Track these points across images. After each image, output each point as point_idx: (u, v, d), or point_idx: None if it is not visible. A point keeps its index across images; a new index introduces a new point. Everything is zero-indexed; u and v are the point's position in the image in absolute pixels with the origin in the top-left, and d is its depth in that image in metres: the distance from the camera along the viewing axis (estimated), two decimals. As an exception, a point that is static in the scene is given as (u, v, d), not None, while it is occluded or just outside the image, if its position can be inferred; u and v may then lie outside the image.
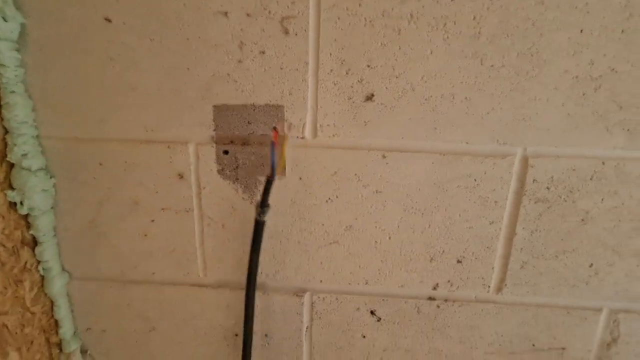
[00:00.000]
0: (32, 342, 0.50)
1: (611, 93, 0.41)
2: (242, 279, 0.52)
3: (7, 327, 0.46)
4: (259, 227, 0.46)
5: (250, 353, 0.52)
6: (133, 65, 0.44)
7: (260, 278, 0.52)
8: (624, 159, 0.43)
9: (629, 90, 0.41)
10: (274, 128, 0.44)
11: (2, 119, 0.44)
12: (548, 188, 0.45)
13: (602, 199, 0.45)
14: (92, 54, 0.44)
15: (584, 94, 0.41)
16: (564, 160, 0.44)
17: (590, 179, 0.44)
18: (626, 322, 0.49)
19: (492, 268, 0.49)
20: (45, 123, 0.46)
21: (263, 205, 0.45)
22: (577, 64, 0.40)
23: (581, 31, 0.39)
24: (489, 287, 0.50)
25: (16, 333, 0.48)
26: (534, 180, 0.45)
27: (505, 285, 0.49)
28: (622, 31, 0.39)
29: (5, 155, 0.45)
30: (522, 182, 0.45)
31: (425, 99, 0.43)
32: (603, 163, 0.44)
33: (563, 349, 0.51)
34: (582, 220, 0.46)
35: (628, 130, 0.42)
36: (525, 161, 0.44)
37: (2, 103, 0.43)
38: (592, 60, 0.40)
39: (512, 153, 0.44)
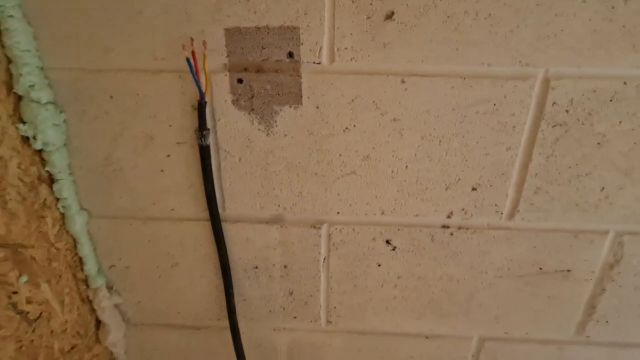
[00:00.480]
0: (60, 276, 0.52)
1: (642, 5, 0.39)
2: (262, 212, 0.53)
3: (35, 260, 0.47)
4: (203, 152, 0.47)
5: (231, 283, 0.55)
6: (137, -14, 0.41)
7: (277, 211, 0.53)
8: (647, 78, 0.43)
9: (661, 1, 0.39)
10: (188, 48, 0.42)
11: (4, 47, 0.42)
12: (567, 111, 0.45)
13: (620, 122, 0.45)
14: (93, -27, 0.41)
15: (613, 7, 0.40)
16: (586, 80, 0.43)
17: (611, 100, 0.44)
18: (630, 244, 0.52)
19: (506, 195, 0.50)
20: (48, 53, 0.44)
21: (202, 129, 0.45)
22: (610, -27, 0.38)
23: None
24: (502, 214, 0.51)
25: (44, 266, 0.49)
26: (553, 103, 0.44)
27: (518, 211, 0.51)
28: None
29: (12, 87, 0.43)
30: (542, 105, 0.45)
31: (448, 16, 0.41)
32: (625, 83, 0.43)
33: (568, 271, 0.54)
34: (598, 144, 0.46)
35: (655, 46, 0.41)
36: (546, 83, 0.44)
37: (1, 29, 0.41)
38: (626, -32, 0.38)
39: (534, 75, 0.43)
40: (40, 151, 0.47)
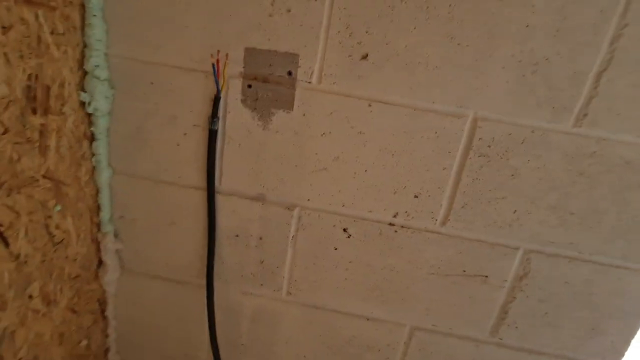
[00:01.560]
0: (81, 215, 0.65)
1: (544, 77, 0.55)
2: (249, 190, 0.66)
3: (68, 196, 0.61)
4: (212, 135, 0.61)
5: (214, 246, 0.68)
6: (186, 7, 0.57)
7: (262, 191, 0.66)
8: (549, 130, 0.57)
9: (557, 76, 0.54)
10: (216, 56, 0.58)
11: (84, 36, 0.57)
12: (489, 146, 0.59)
13: (529, 160, 0.59)
14: (158, -6, 0.57)
15: (523, 75, 0.55)
16: (503, 125, 0.58)
17: (522, 142, 0.58)
18: (536, 261, 0.64)
19: (441, 205, 0.63)
20: (114, 43, 0.60)
21: (214, 117, 0.60)
22: (521, 51, 0.54)
23: (527, 26, 0.53)
24: (437, 220, 0.64)
25: (73, 203, 0.62)
26: (479, 138, 0.59)
27: (449, 220, 0.64)
28: (557, 30, 0.52)
29: (82, 65, 0.58)
30: (471, 138, 0.59)
31: (406, 64, 0.56)
32: (532, 131, 0.58)
33: (486, 276, 0.67)
34: (512, 175, 0.60)
35: (553, 107, 0.56)
36: (475, 122, 0.58)
37: (86, 23, 0.57)
38: (532, 49, 0.53)
39: (466, 114, 0.58)
40: (90, 115, 0.62)
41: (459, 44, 0.55)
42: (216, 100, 0.60)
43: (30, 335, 0.58)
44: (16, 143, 0.49)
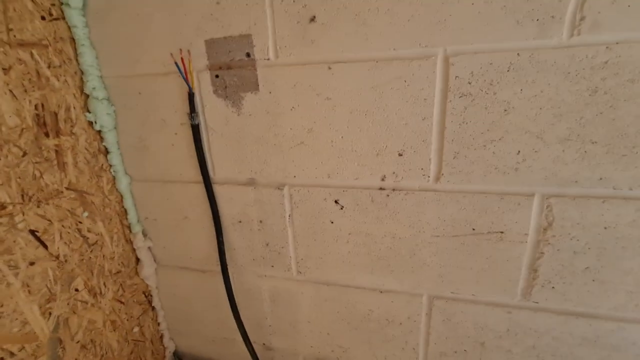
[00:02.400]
0: (110, 219, 0.76)
1: (516, -13, 0.46)
2: (240, 176, 0.69)
3: (94, 204, 0.71)
4: (195, 129, 0.65)
5: (221, 235, 0.72)
6: (149, 18, 0.62)
7: (251, 175, 0.68)
8: (537, 48, 0.48)
9: (533, -19, 0.45)
10: (178, 56, 0.62)
11: (79, 64, 0.66)
12: (470, 83, 0.52)
13: (521, 89, 0.50)
14: (124, 11, 0.63)
15: (490, -8, 0.47)
16: (480, 55, 0.50)
17: (508, 70, 0.50)
18: (558, 206, 0.54)
19: (430, 159, 0.58)
20: (104, 65, 0.68)
21: (192, 112, 0.64)
22: (480, -35, 0.46)
23: None
24: (429, 177, 0.59)
25: (100, 209, 0.73)
26: (456, 77, 0.52)
27: (442, 174, 0.58)
28: None
29: (83, 89, 0.68)
30: (446, 79, 0.53)
31: (356, 15, 0.53)
32: (518, 54, 0.49)
33: (501, 232, 0.58)
34: (505, 110, 0.52)
35: (537, 20, 0.47)
36: (446, 60, 0.52)
37: (77, 53, 0.66)
38: (493, -41, 0.46)
39: (434, 54, 0.52)
40: (99, 131, 0.71)
41: (406, -22, 0.49)
42: (190, 96, 0.64)
43: (84, 322, 0.70)
44: (36, 162, 0.60)
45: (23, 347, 0.58)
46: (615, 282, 0.56)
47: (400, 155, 0.59)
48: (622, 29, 0.45)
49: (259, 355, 0.84)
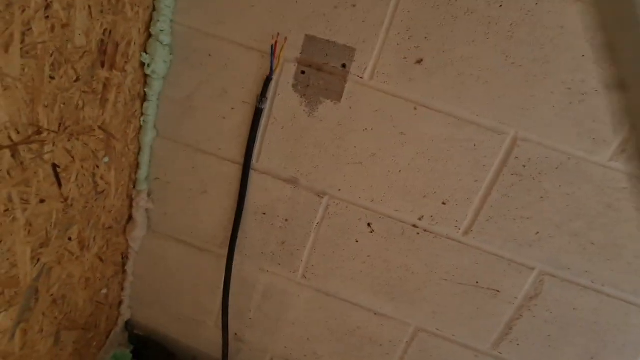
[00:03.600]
0: (123, 170, 0.68)
1: (590, 108, 0.56)
2: (284, 172, 0.69)
3: (115, 150, 0.64)
4: (258, 112, 0.64)
5: (239, 221, 0.71)
6: (257, -12, 0.59)
7: (296, 175, 0.69)
8: (584, 159, 0.59)
9: (602, 109, 0.56)
10: (275, 38, 0.60)
11: (155, 0, 0.60)
12: (524, 166, 0.61)
13: (560, 185, 0.61)
14: (232, -29, 0.59)
15: (570, 103, 0.56)
16: (541, 148, 0.59)
17: (557, 168, 0.60)
18: (549, 283, 0.66)
19: (466, 215, 0.65)
20: (181, 11, 0.62)
21: (262, 96, 0.63)
22: (572, 79, 0.55)
23: (583, 56, 0.54)
24: (460, 229, 0.66)
25: (118, 158, 0.65)
26: (516, 157, 0.61)
27: (472, 230, 0.66)
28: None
29: (149, 27, 0.61)
30: (508, 156, 0.61)
31: (458, 74, 0.58)
32: (569, 158, 0.59)
33: (497, 291, 0.69)
34: (542, 197, 0.62)
35: (593, 139, 0.58)
36: (514, 141, 0.60)
37: (159, -12, 0.59)
38: (583, 80, 0.55)
39: (507, 132, 0.60)
40: (147, 76, 0.64)
41: (513, 63, 0.56)
42: (267, 80, 0.62)
43: (64, 275, 0.62)
44: (84, 92, 0.52)
45: (2, 292, 0.50)
46: (566, 352, 0.70)
47: (443, 203, 0.65)
48: (645, 168, 0.57)
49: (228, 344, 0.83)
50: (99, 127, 0.58)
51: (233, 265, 0.75)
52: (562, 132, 0.58)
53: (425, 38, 0.57)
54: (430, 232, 0.68)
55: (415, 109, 0.61)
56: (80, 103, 0.52)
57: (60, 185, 0.54)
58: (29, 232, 0.51)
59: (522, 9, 0.54)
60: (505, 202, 0.63)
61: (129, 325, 0.89)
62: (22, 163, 0.46)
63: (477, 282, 0.69)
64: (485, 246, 0.66)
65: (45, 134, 0.48)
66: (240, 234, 0.74)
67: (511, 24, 0.54)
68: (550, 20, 0.54)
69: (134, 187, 0.73)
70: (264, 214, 0.72)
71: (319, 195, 0.69)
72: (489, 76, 0.57)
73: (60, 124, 0.50)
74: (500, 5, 0.54)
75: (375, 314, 0.75)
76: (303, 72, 0.62)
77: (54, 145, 0.50)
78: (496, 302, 0.69)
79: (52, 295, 0.60)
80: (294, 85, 0.63)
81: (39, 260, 0.55)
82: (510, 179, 0.62)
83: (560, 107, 0.57)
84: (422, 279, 0.71)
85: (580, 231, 0.62)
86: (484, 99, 0.59)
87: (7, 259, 0.49)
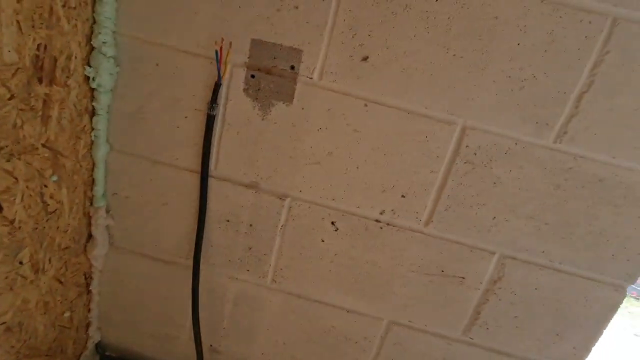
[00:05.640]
0: (76, 188, 0.66)
1: (530, 93, 0.58)
2: (244, 177, 0.68)
3: (65, 168, 0.62)
4: (210, 120, 0.64)
5: (202, 230, 0.70)
6: (199, -5, 0.59)
7: (255, 179, 0.68)
8: (531, 143, 0.61)
9: (542, 94, 0.58)
10: (219, 43, 0.60)
11: (94, 12, 0.58)
12: (475, 154, 0.63)
13: (511, 170, 0.63)
14: (171, -21, 0.58)
15: (512, 90, 0.58)
16: (490, 135, 0.61)
17: (505, 153, 0.62)
18: (510, 266, 0.68)
19: (425, 206, 0.67)
20: (123, 22, 0.61)
21: (213, 102, 0.62)
22: (512, 67, 0.57)
23: (518, 44, 0.56)
24: (421, 220, 0.68)
25: (69, 175, 0.63)
26: (466, 145, 0.62)
27: (432, 221, 0.67)
28: (545, 51, 0.56)
29: (90, 40, 0.60)
30: (459, 145, 0.62)
31: (404, 69, 0.59)
32: (516, 143, 0.61)
33: (463, 278, 0.70)
34: (494, 183, 0.64)
35: (537, 122, 0.60)
36: (464, 130, 0.62)
37: (96, 0, 0.58)
38: (522, 67, 0.57)
39: (456, 122, 0.61)
40: (93, 90, 0.63)
41: (454, 55, 0.58)
42: (216, 86, 0.62)
43: (17, 301, 0.59)
44: (21, 110, 0.50)
45: (-56, 325, 0.47)
46: (532, 330, 0.72)
47: (402, 196, 0.66)
48: (586, 148, 0.60)
49: (203, 357, 0.81)
50: (43, 145, 0.56)
51: (200, 276, 0.74)
52: (507, 118, 0.60)
53: (369, 35, 0.58)
54: (393, 226, 0.68)
55: (365, 105, 0.62)
56: (18, 121, 0.50)
57: (1, 208, 0.52)
58: (-31, 259, 0.49)
59: (457, 2, 0.55)
60: (460, 191, 0.65)
61: (99, 348, 0.86)
62: (-47, 187, 0.44)
63: (442, 271, 0.70)
64: (446, 235, 0.68)
65: (-22, 156, 0.46)
66: (204, 243, 0.73)
67: (448, 18, 0.56)
68: (485, 11, 0.55)
69: (91, 204, 0.71)
70: (228, 221, 0.72)
71: (280, 198, 0.69)
72: (433, 69, 0.59)
73: (-5, 144, 0.48)
74: (436, 0, 0.56)
75: (347, 311, 0.76)
76: (253, 76, 0.62)
77: (-10, 167, 0.48)
78: (463, 289, 0.71)
79: (4, 323, 0.58)
80: (244, 90, 0.63)
81: (-15, 288, 0.52)
82: (464, 167, 0.63)
83: (503, 94, 0.59)
84: (390, 273, 0.71)
85: (534, 213, 0.64)
86: (431, 91, 0.60)
87: (-54, 290, 0.47)
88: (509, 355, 0.74)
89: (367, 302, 0.74)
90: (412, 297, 0.73)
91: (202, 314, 0.77)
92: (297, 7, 0.58)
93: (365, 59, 0.59)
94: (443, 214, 0.66)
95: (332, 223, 0.70)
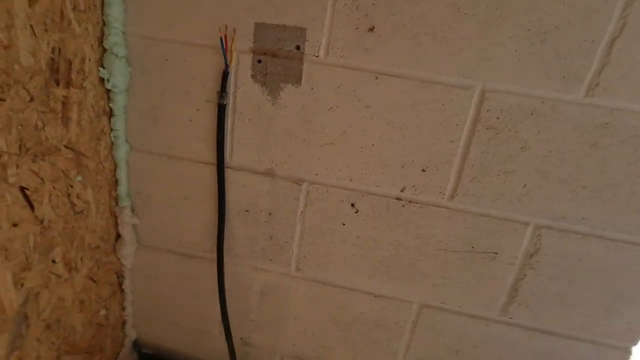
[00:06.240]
0: (100, 188, 0.68)
1: (554, 46, 0.54)
2: (259, 165, 0.68)
3: (88, 168, 0.64)
4: (221, 110, 0.63)
5: (223, 222, 0.70)
6: (200, -14, 0.59)
7: (271, 166, 0.68)
8: (559, 100, 0.56)
9: (567, 44, 0.53)
10: (223, 31, 0.60)
11: (104, 15, 0.60)
12: (498, 118, 0.59)
13: (539, 132, 0.58)
14: (172, -27, 0.59)
15: (532, 44, 0.54)
16: (512, 96, 0.57)
17: (531, 114, 0.58)
18: (547, 237, 0.63)
19: (449, 179, 0.63)
20: (131, 22, 0.63)
21: (223, 91, 0.62)
22: (530, 20, 0.53)
23: (535, -6, 0.52)
24: (444, 194, 0.64)
25: (93, 175, 0.66)
26: (487, 110, 0.59)
27: (457, 194, 0.64)
28: (567, -3, 0.52)
29: (102, 42, 0.61)
30: (479, 110, 0.59)
31: (412, 35, 0.57)
32: (542, 102, 0.57)
33: (495, 253, 0.66)
34: (522, 147, 0.59)
35: (563, 77, 0.55)
36: (482, 93, 0.58)
37: (105, 2, 0.60)
38: (541, 18, 0.53)
39: (473, 86, 0.58)
40: (109, 91, 0.65)
41: (465, 14, 0.55)
42: (225, 75, 0.62)
43: (53, 299, 0.62)
44: (41, 112, 0.52)
45: (-13, 320, 0.50)
46: (579, 306, 0.66)
47: (423, 171, 0.63)
48: (623, 99, 0.55)
49: (235, 350, 0.81)
50: (65, 146, 0.58)
51: (225, 268, 0.74)
52: (530, 76, 0.56)
53: (373, 5, 0.56)
54: (415, 203, 0.66)
55: (376, 78, 0.60)
56: (40, 123, 0.53)
57: (32, 207, 0.54)
58: (5, 257, 0.51)
59: (464, -44, 0.52)
60: (485, 159, 0.61)
61: (136, 345, 0.88)
62: (-15, 188, 0.47)
63: (472, 247, 0.66)
64: (473, 208, 0.64)
65: (5, 157, 0.48)
66: (226, 235, 0.73)
67: (456, -25, 0.53)
68: (495, -37, 0.52)
69: (117, 203, 0.74)
70: (247, 211, 0.71)
71: (297, 183, 0.68)
72: (444, 32, 0.56)
73: (20, 146, 0.50)
74: (441, -43, 0.53)
75: (375, 296, 0.73)
76: (259, 61, 0.62)
77: (17, 168, 0.50)
78: (496, 265, 0.66)
79: (44, 320, 0.60)
80: (252, 76, 0.63)
81: (22, 285, 0.55)
82: (486, 133, 0.60)
83: (523, 50, 0.55)
84: (416, 253, 0.68)
85: (569, 176, 0.59)
86: (444, 56, 0.57)
87: (-13, 286, 0.49)
88: (554, 334, 0.69)
89: (394, 285, 0.71)
90: (442, 276, 0.69)
91: (230, 307, 0.78)
92: (297, -15, 0.57)
93: (371, 29, 0.57)
94: (468, 185, 0.63)
95: (352, 205, 0.68)
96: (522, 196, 0.62)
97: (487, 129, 0.59)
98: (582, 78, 0.55)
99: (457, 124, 0.60)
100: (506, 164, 0.61)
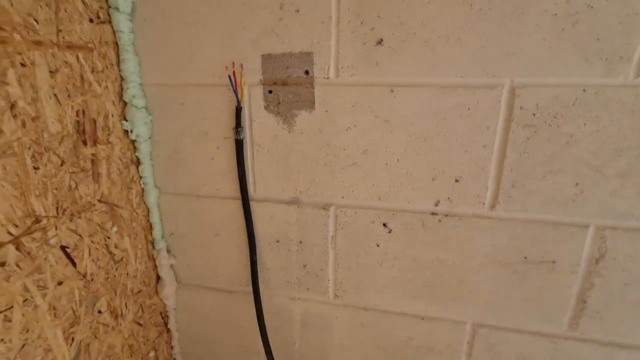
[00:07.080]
0: (136, 234, 0.71)
1: (588, 27, 0.48)
2: (283, 194, 0.67)
3: (123, 218, 0.66)
4: (238, 144, 0.63)
5: (255, 255, 0.70)
6: (203, 27, 0.60)
7: (295, 194, 0.66)
8: (604, 86, 0.50)
9: (605, 23, 0.47)
10: (231, 68, 0.60)
11: (120, 70, 0.63)
12: (534, 114, 0.53)
13: (585, 123, 0.52)
14: (175, 20, 0.61)
15: (562, 29, 0.49)
16: (547, 89, 0.51)
17: (573, 105, 0.51)
18: (613, 238, 0.55)
19: (486, 187, 0.58)
20: (146, 73, 0.65)
21: (238, 126, 0.62)
22: (555, 3, 0.48)
23: (558, -26, 0.47)
24: (484, 204, 0.59)
25: (128, 224, 0.68)
26: (520, 107, 0.53)
27: (499, 202, 0.58)
28: (597, -29, 0.46)
29: (122, 96, 0.64)
30: (511, 109, 0.53)
31: (425, 41, 0.53)
32: (584, 90, 0.50)
33: (553, 262, 0.59)
34: (567, 143, 0.53)
35: (606, 59, 0.49)
36: (512, 91, 0.53)
37: (120, 59, 0.63)
38: (569, -1, 0.47)
39: (500, 84, 0.53)
40: (133, 141, 0.67)
41: (480, 10, 0.50)
42: (238, 110, 0.62)
43: (104, 348, 0.64)
44: (72, 172, 0.55)
45: (44, 378, 0.52)
46: (665, 314, 0.57)
47: (456, 181, 0.59)
48: (685, 73, 0.47)
49: (283, 383, 0.80)
50: (99, 201, 0.61)
51: (262, 300, 0.73)
52: (565, 64, 0.50)
53: (378, 17, 0.54)
54: (453, 216, 0.61)
55: (392, 91, 0.57)
56: (72, 184, 0.55)
57: (74, 264, 0.56)
58: (54, 314, 0.54)
59: (470, -50, 0.48)
60: (526, 161, 0.55)
61: (187, 382, 0.89)
62: (29, 253, 0.49)
63: (525, 258, 0.60)
64: (519, 215, 0.58)
65: (44, 221, 0.51)
66: (260, 267, 0.72)
67: (464, -30, 0.49)
68: (506, -50, 0.48)
69: (153, 247, 0.76)
70: (277, 241, 0.70)
71: (324, 209, 0.66)
72: (459, 33, 0.52)
73: (57, 208, 0.53)
74: (445, -45, 0.49)
75: (422, 318, 0.68)
76: (270, 92, 0.61)
77: (56, 229, 0.53)
78: (556, 275, 0.59)
79: (96, 370, 0.62)
80: (265, 107, 0.62)
81: (73, 339, 0.57)
82: (523, 132, 0.54)
83: (553, 37, 0.49)
84: (461, 269, 0.63)
85: (629, 168, 0.52)
86: (463, 57, 0.53)
87: (40, 346, 0.52)
88: (635, 348, 0.60)
89: (441, 306, 0.66)
90: (493, 292, 0.63)
91: (273, 339, 0.76)
92: (298, 11, 0.56)
93: (379, 42, 0.55)
94: (510, 191, 0.57)
95: (384, 225, 0.64)
96: (575, 196, 0.55)
97: (524, 127, 0.54)
98: (628, 57, 0.48)
99: (488, 127, 0.55)
100: (551, 164, 0.54)
